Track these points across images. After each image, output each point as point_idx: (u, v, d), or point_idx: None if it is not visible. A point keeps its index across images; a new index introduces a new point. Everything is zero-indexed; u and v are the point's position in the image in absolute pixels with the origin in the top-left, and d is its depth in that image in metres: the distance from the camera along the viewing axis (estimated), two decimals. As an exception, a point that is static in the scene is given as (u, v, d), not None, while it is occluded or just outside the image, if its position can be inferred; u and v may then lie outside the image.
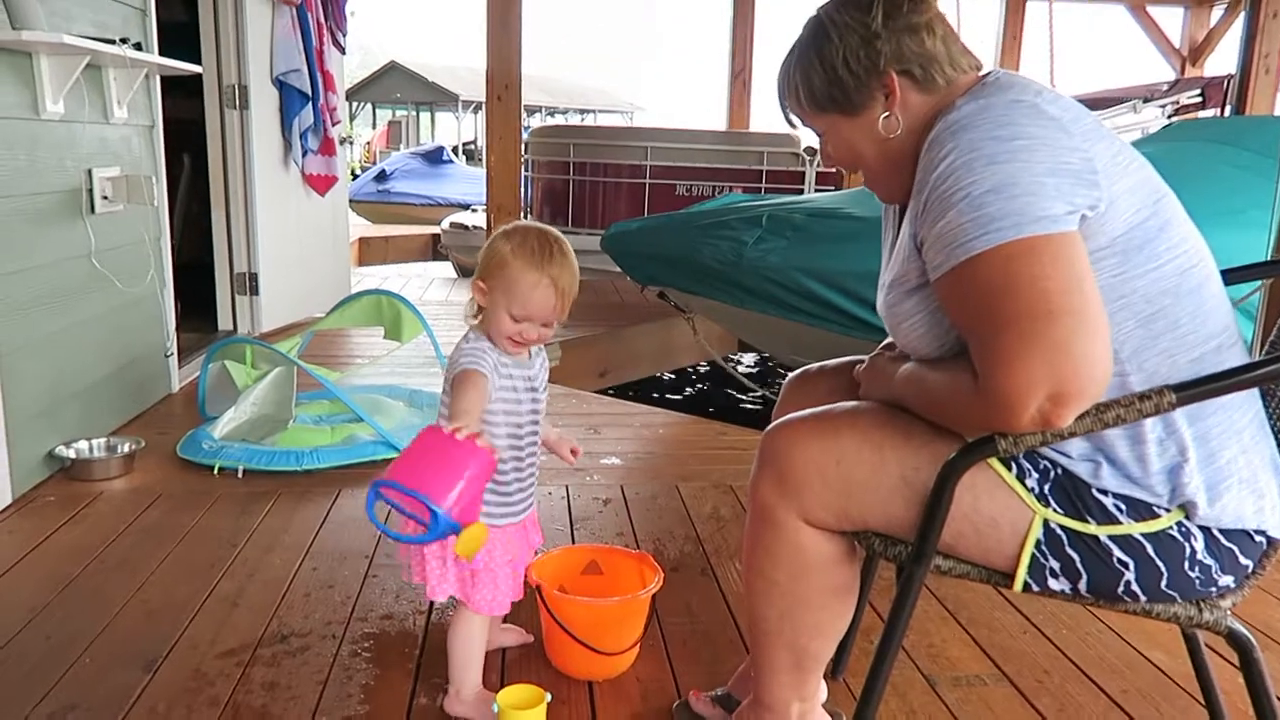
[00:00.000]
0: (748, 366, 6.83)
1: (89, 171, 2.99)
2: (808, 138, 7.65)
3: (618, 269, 4.38)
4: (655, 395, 5.92)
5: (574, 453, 1.73)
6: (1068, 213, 1.07)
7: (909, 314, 1.24)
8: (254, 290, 4.67)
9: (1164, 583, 1.16)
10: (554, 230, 1.54)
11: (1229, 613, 1.19)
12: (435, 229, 10.26)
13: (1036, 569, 1.18)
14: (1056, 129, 1.10)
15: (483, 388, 1.47)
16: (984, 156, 1.09)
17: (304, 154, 4.91)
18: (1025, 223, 1.06)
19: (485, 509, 1.57)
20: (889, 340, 1.47)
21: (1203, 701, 1.61)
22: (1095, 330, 1.05)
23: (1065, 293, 1.05)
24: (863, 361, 1.48)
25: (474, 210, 9.67)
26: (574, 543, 2.40)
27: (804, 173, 7.40)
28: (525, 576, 1.71)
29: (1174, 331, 1.15)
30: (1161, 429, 1.16)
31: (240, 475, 2.78)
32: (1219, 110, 6.83)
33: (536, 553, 1.78)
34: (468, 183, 13.31)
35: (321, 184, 5.13)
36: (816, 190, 7.22)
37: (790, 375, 1.61)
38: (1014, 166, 1.07)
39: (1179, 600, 1.18)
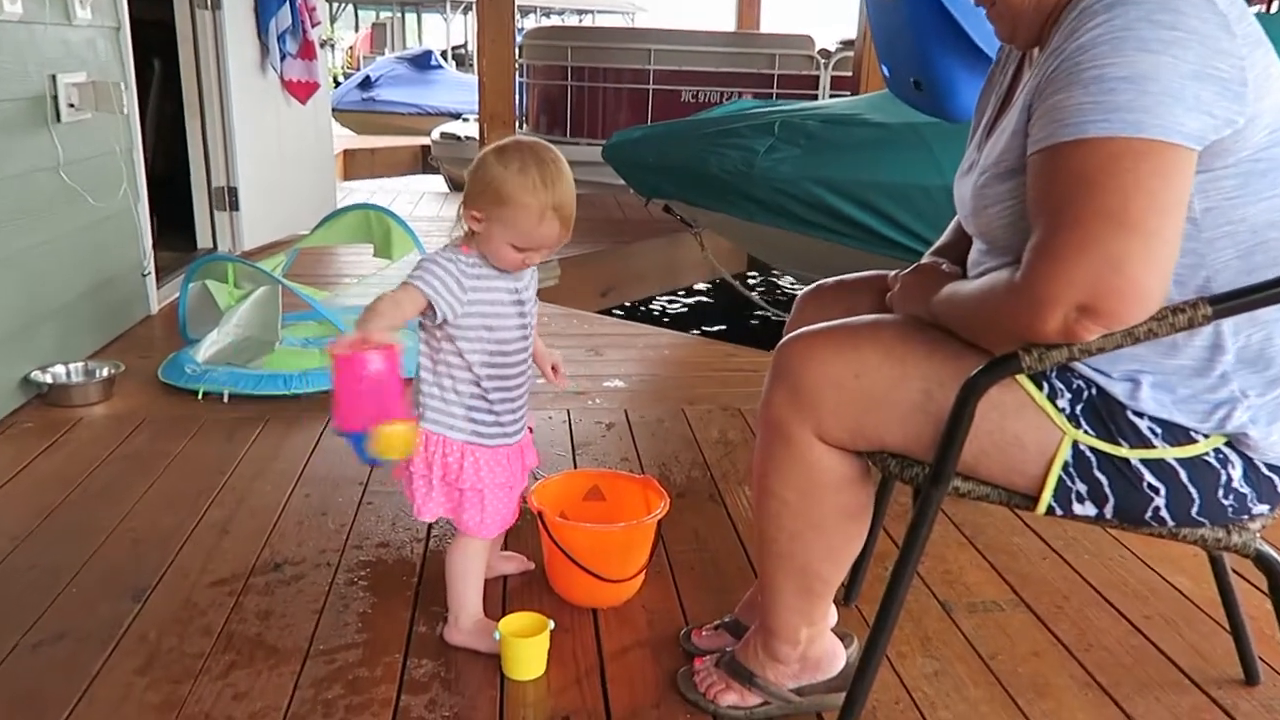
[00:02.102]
0: (759, 285, 6.80)
1: (53, 77, 2.93)
2: (822, 39, 7.49)
3: (620, 181, 4.33)
4: (660, 315, 5.92)
5: (555, 370, 1.72)
6: (1197, 129, 1.03)
7: (998, 199, 1.20)
8: (234, 205, 4.63)
9: (1195, 509, 1.17)
10: (549, 148, 1.48)
11: (1258, 535, 1.21)
12: (424, 140, 10.12)
13: (1062, 492, 1.19)
14: (1220, 26, 1.04)
15: (402, 307, 1.49)
16: (1135, 39, 1.03)
17: (282, 58, 4.82)
18: (1149, 123, 1.02)
19: (476, 428, 1.58)
20: (931, 259, 1.44)
21: (1227, 626, 1.64)
22: (1158, 260, 1.02)
23: (1148, 210, 1.01)
24: (888, 275, 1.47)
25: (466, 119, 9.53)
26: (576, 468, 2.43)
27: (818, 76, 7.26)
28: (525, 502, 1.73)
29: (1274, 268, 1.11)
30: (1230, 362, 1.14)
31: (225, 400, 2.79)
32: (1265, 6, 6.67)
33: (535, 475, 1.80)
34: (458, 90, 13.10)
35: (302, 91, 5.05)
36: (832, 95, 7.09)
37: (804, 290, 1.60)
38: (1161, 60, 1.02)
39: (1208, 525, 1.19)
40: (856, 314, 1.39)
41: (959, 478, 1.24)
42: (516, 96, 6.99)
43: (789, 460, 1.30)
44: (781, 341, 1.33)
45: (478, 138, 7.09)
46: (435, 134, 8.87)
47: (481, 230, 1.49)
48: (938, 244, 1.52)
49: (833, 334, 1.28)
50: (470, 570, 1.66)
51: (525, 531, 1.95)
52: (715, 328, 5.69)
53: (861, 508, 1.35)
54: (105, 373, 2.86)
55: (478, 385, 1.57)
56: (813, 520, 1.33)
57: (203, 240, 4.65)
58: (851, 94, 5.87)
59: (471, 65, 18.87)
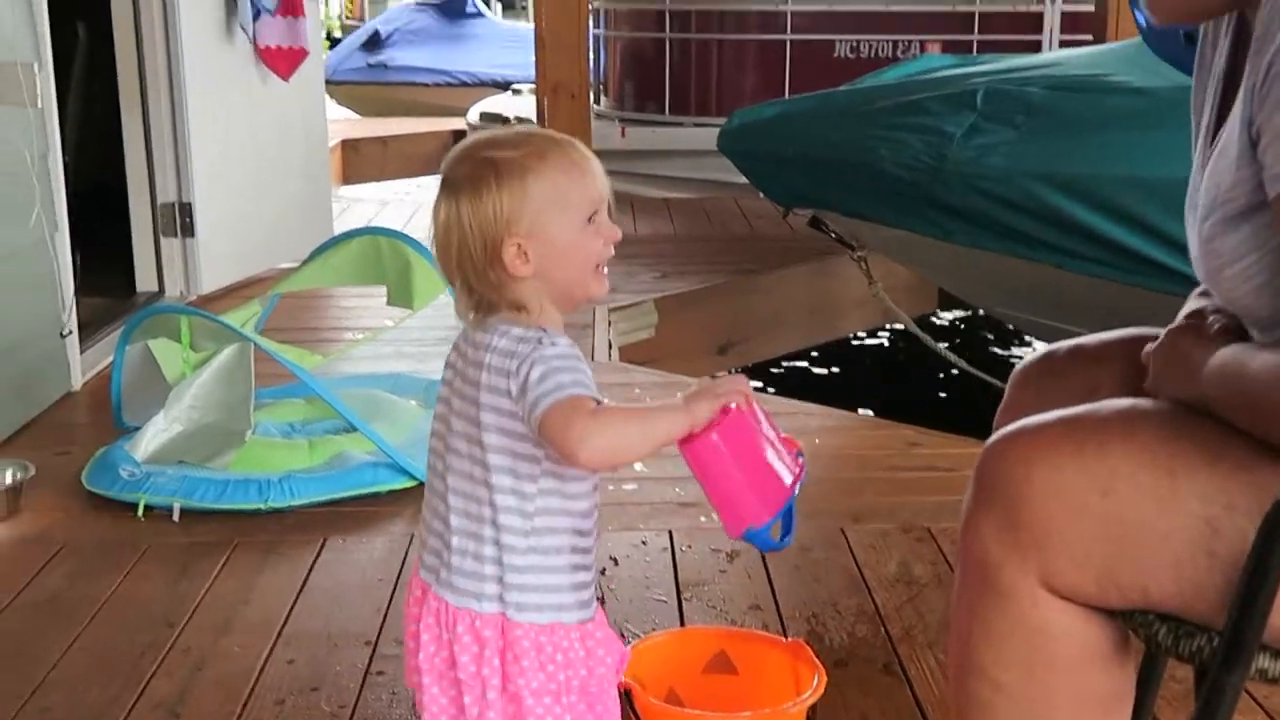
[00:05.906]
0: (956, 334, 6.76)
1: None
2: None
3: (744, 181, 4.37)
4: (807, 382, 5.91)
5: None
6: None
7: (1237, 254, 1.22)
8: (188, 230, 4.78)
9: None
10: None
11: None
12: (458, 123, 10.37)
13: None
14: None
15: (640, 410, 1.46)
16: None
17: (256, 16, 4.99)
18: None
19: (581, 597, 1.47)
20: (1198, 303, 1.44)
21: None
22: None
23: None
24: (1153, 339, 1.47)
25: (517, 91, 9.75)
26: (683, 622, 2.43)
27: (1041, 15, 7.24)
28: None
29: None
30: None
31: (176, 518, 2.87)
32: None
33: (624, 634, 1.81)
34: (505, 48, 13.40)
35: (284, 61, 5.21)
36: (1062, 46, 7.05)
37: (1025, 360, 1.61)
38: None
39: None
40: (1105, 392, 1.39)
41: (1267, 654, 1.22)
42: (592, 56, 7.13)
43: (1004, 620, 1.30)
44: (991, 439, 1.34)
45: (535, 118, 7.25)
46: (473, 114, 9.11)
47: (535, 260, 1.39)
48: None
49: (1066, 430, 1.28)
50: None
51: None
52: (891, 402, 5.66)
53: (1116, 695, 1.34)
54: (8, 478, 2.96)
55: (579, 533, 1.47)
56: (1040, 713, 1.32)
57: (144, 281, 4.80)
58: (1093, 43, 5.84)
59: (524, 11, 19.25)
